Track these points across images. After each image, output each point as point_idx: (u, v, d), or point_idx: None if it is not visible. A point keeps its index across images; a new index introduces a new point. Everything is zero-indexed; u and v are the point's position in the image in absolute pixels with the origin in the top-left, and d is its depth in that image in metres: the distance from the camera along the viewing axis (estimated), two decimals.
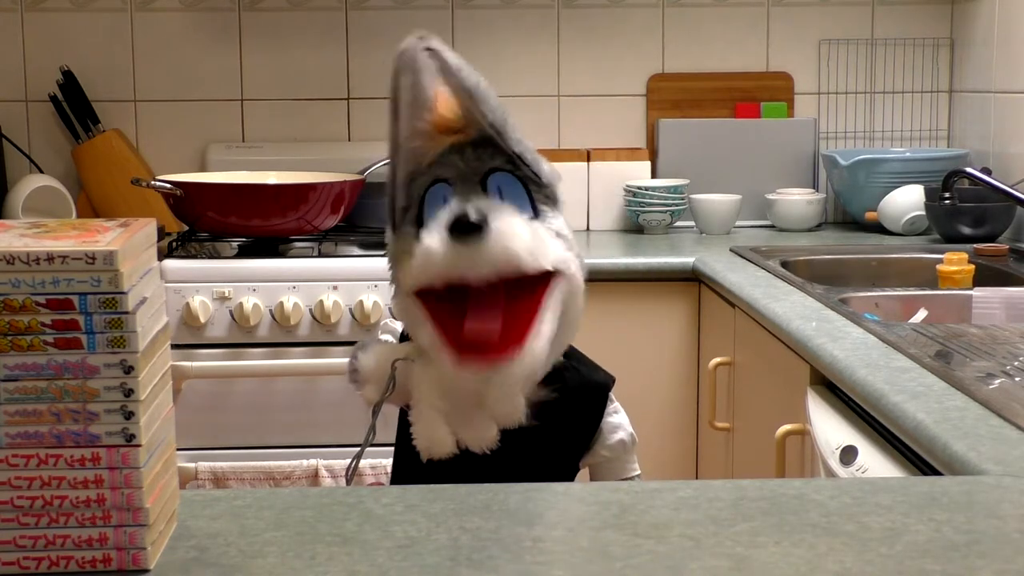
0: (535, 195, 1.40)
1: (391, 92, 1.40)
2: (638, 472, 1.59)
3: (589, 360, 1.56)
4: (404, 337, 1.52)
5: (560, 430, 1.49)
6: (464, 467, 1.38)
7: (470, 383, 1.36)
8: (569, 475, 1.55)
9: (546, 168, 1.43)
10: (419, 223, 1.38)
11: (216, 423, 2.71)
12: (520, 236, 1.33)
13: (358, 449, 1.47)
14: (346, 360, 1.43)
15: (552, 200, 1.42)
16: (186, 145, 3.37)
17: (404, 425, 1.46)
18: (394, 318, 1.53)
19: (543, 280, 1.36)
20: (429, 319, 1.36)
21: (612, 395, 1.57)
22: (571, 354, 1.52)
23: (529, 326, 1.34)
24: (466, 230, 1.30)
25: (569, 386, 1.47)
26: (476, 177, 1.39)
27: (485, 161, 1.39)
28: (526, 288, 1.35)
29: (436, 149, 1.40)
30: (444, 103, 1.39)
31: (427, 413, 1.39)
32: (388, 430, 1.51)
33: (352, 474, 1.51)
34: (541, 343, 1.35)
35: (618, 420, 1.56)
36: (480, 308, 1.34)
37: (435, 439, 1.38)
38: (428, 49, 1.36)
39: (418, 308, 1.37)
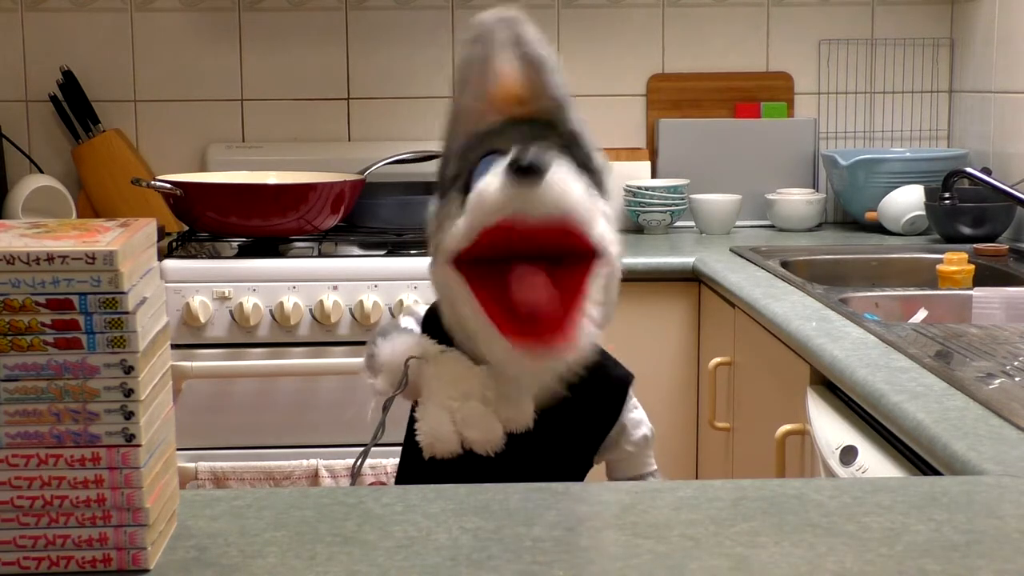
0: (585, 180, 1.39)
1: (460, 60, 1.42)
2: (655, 467, 1.58)
3: (609, 355, 1.54)
4: (426, 321, 1.51)
5: (579, 424, 1.49)
6: (476, 459, 1.38)
7: (522, 373, 1.36)
8: (583, 469, 1.53)
9: (599, 156, 1.43)
10: (466, 191, 1.37)
11: (216, 423, 2.70)
12: (577, 190, 1.33)
13: (364, 447, 1.46)
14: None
15: (600, 187, 1.41)
16: (186, 145, 3.36)
17: (413, 424, 1.46)
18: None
19: (585, 262, 1.35)
20: (471, 294, 1.35)
21: (631, 391, 1.55)
22: (592, 348, 1.51)
23: (575, 306, 1.34)
24: (525, 171, 1.30)
25: (591, 380, 1.45)
26: None
27: (542, 138, 1.38)
28: (568, 268, 1.34)
29: (495, 120, 1.40)
30: (511, 75, 1.40)
31: (433, 411, 1.39)
32: (391, 428, 1.50)
33: (358, 470, 1.50)
34: (592, 328, 1.35)
35: (639, 416, 1.56)
36: (525, 281, 1.33)
37: (440, 436, 1.38)
38: (504, 20, 1.36)
39: (458, 279, 1.36)
